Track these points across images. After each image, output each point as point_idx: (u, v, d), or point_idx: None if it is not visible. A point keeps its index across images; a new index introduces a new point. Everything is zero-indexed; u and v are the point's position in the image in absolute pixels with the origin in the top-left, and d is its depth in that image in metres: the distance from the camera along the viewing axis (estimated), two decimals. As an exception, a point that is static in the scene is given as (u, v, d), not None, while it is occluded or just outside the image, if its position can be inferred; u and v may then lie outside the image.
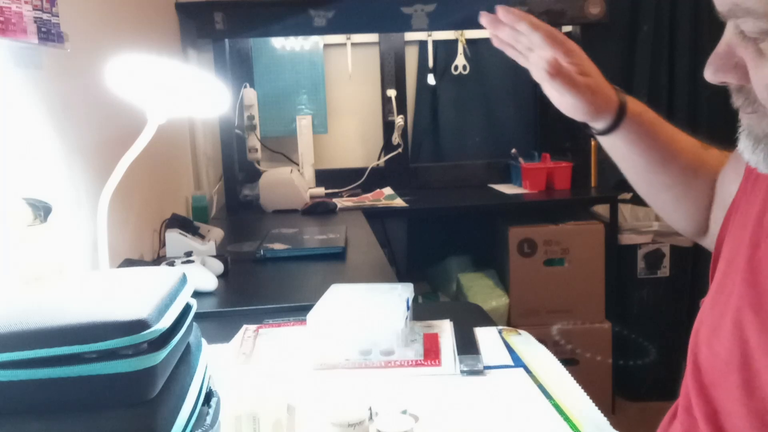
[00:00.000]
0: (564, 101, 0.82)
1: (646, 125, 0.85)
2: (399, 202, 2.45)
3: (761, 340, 0.61)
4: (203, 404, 0.69)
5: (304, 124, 2.57)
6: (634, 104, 0.86)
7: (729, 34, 0.57)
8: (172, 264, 1.37)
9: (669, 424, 0.76)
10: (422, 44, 2.78)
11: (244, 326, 1.08)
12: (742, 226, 0.69)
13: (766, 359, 0.60)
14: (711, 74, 0.58)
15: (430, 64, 2.78)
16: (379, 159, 2.76)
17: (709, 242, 0.87)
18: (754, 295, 0.63)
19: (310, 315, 0.98)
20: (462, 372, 0.89)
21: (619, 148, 0.87)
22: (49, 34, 1.05)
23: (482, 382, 0.87)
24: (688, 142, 0.88)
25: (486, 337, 1.02)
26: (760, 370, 0.60)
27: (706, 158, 0.87)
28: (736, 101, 0.59)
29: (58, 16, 1.09)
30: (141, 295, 0.61)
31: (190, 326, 0.70)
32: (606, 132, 0.85)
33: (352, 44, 2.74)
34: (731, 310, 0.65)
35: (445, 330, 1.04)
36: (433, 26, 2.42)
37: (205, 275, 1.34)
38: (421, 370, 0.90)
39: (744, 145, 0.58)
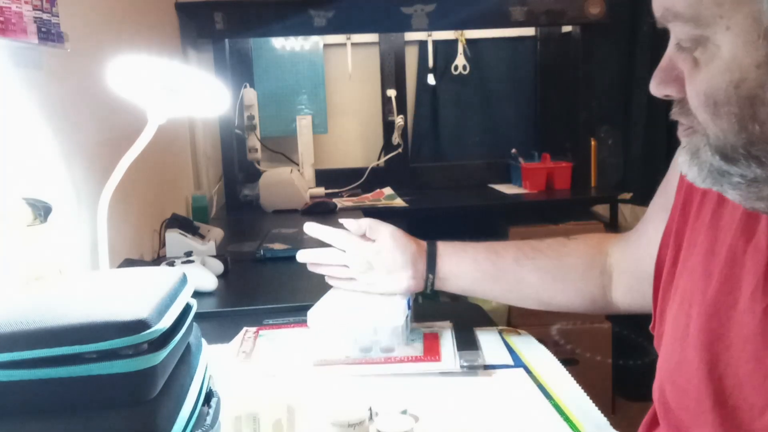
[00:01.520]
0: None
1: (458, 247, 1.01)
2: (399, 202, 2.45)
3: (739, 376, 0.59)
4: (203, 404, 0.69)
5: (304, 124, 2.57)
6: (446, 249, 1.01)
7: (670, 47, 0.57)
8: (172, 264, 1.37)
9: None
10: (422, 44, 2.79)
11: (244, 328, 1.08)
12: (691, 255, 0.68)
13: (747, 394, 0.58)
14: (654, 87, 0.58)
15: (430, 64, 2.78)
16: (379, 159, 2.76)
17: (622, 308, 0.94)
18: (719, 329, 0.61)
19: (311, 312, 0.98)
20: (462, 367, 0.89)
21: (458, 274, 1.01)
22: (49, 34, 1.05)
23: (482, 382, 0.87)
24: (530, 247, 0.99)
25: (486, 337, 1.02)
26: (740, 405, 0.58)
27: (573, 248, 0.98)
28: (674, 114, 0.59)
29: (58, 16, 1.09)
30: (141, 295, 0.61)
31: (190, 326, 0.70)
32: (432, 285, 1.01)
33: (352, 44, 2.74)
34: (693, 345, 0.63)
35: (446, 330, 1.04)
36: (433, 26, 2.42)
37: (205, 275, 1.34)
38: (420, 366, 0.90)
39: (682, 159, 0.59)
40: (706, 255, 0.65)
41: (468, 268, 1.00)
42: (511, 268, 0.98)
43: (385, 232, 1.03)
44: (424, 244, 1.03)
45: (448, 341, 0.99)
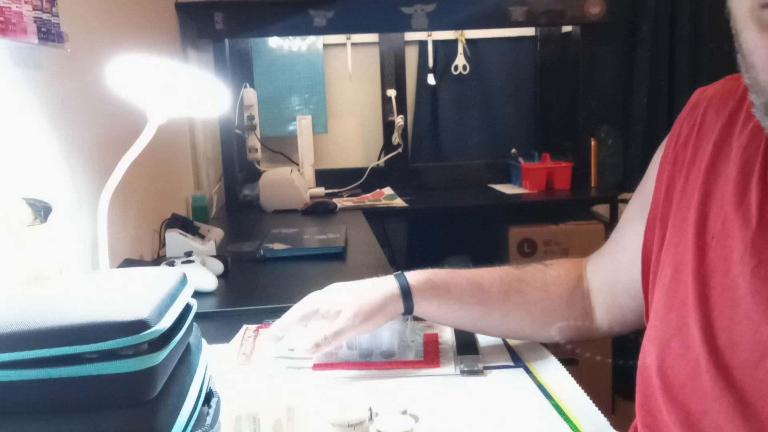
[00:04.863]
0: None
1: (442, 288, 0.92)
2: (399, 202, 2.45)
3: (732, 336, 0.61)
4: (203, 404, 0.69)
5: (304, 124, 2.57)
6: (419, 283, 0.92)
7: None
8: (172, 264, 1.37)
9: None
10: (422, 44, 2.79)
11: (244, 326, 1.08)
12: (680, 232, 0.69)
13: (740, 352, 0.60)
14: None
15: (430, 64, 2.78)
16: (379, 159, 2.76)
17: (604, 329, 0.93)
18: (713, 297, 0.64)
19: (310, 315, 0.97)
20: (462, 372, 0.89)
21: (439, 316, 0.94)
22: (49, 34, 1.05)
23: (482, 382, 0.87)
24: (506, 275, 0.94)
25: (486, 337, 1.01)
26: (733, 363, 0.60)
27: (555, 275, 0.94)
28: None
29: (58, 16, 1.09)
30: (141, 295, 0.61)
31: (191, 326, 0.70)
32: (410, 312, 0.92)
33: (352, 44, 2.74)
34: (690, 312, 0.65)
35: (445, 330, 1.04)
36: (433, 26, 2.42)
37: (205, 275, 1.34)
38: (420, 371, 0.90)
39: None
40: (699, 231, 0.67)
41: (450, 309, 0.92)
42: (498, 303, 0.92)
43: (341, 300, 0.92)
44: (392, 285, 0.92)
45: (448, 344, 0.99)
